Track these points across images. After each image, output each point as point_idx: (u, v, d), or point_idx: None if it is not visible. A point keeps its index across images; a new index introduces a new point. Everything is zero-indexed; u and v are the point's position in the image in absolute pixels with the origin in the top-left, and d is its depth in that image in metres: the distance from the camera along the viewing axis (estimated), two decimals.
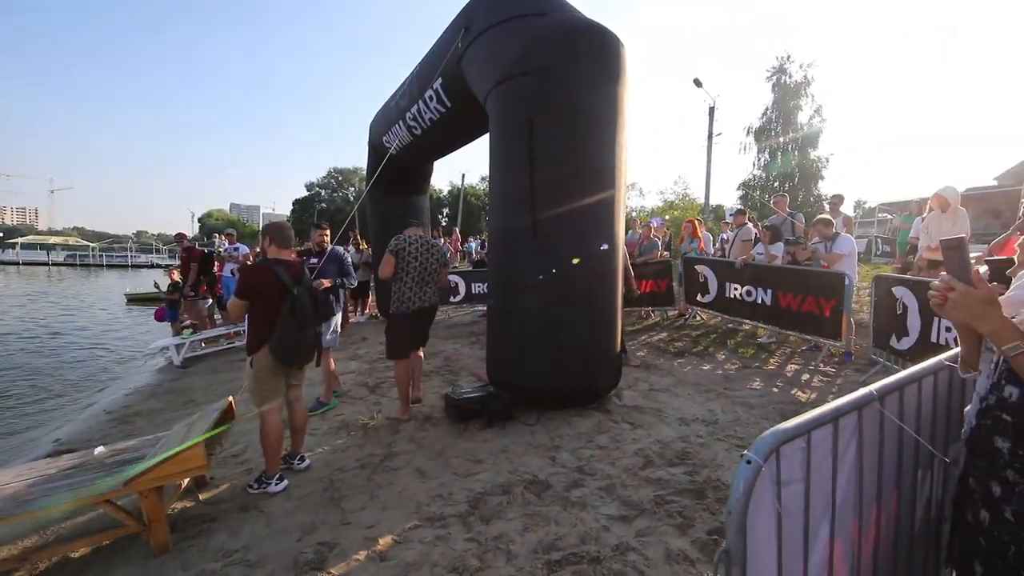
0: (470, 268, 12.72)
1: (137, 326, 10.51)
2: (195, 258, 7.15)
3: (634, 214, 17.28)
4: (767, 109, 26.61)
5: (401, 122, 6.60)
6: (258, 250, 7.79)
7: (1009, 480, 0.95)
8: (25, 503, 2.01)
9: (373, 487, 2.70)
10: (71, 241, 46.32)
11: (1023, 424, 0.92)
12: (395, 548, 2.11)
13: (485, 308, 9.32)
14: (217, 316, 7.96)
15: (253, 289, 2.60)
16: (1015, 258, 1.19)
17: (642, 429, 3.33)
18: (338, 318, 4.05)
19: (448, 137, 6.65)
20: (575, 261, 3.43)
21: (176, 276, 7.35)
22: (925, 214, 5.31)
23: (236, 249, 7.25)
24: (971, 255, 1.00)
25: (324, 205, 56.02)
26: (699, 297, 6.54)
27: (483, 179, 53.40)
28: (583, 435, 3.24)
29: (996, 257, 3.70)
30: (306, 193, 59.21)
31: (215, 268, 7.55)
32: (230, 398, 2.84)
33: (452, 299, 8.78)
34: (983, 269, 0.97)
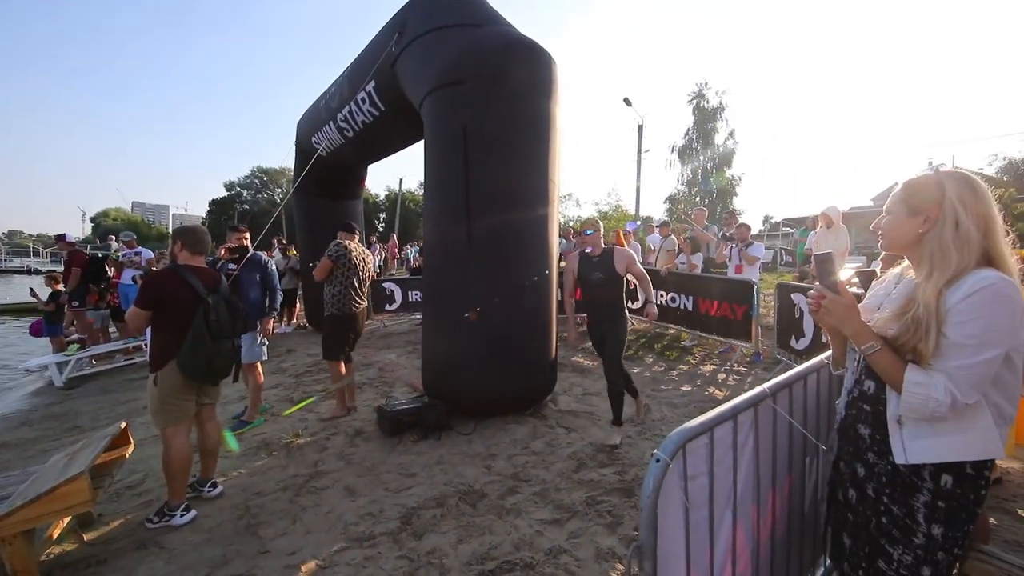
0: (407, 276, 12.43)
1: (6, 342, 8.99)
2: (79, 263, 6.25)
3: (571, 223, 17.97)
4: (688, 130, 29.03)
5: (332, 123, 6.32)
6: (163, 255, 7.01)
7: (870, 462, 1.10)
8: None
9: (296, 510, 2.52)
10: None
11: (880, 413, 1.07)
12: (319, 574, 1.98)
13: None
14: (113, 329, 7.04)
15: (159, 299, 2.33)
16: (878, 271, 1.40)
17: (576, 432, 3.43)
18: (269, 327, 3.76)
19: (382, 141, 6.48)
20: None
21: (59, 284, 6.39)
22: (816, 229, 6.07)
23: (137, 254, 6.46)
24: (847, 267, 1.17)
25: (246, 207, 51.87)
26: (630, 304, 6.90)
27: (421, 184, 52.53)
28: (519, 442, 3.27)
29: (864, 270, 4.32)
30: (225, 193, 54.52)
31: (111, 274, 6.67)
32: (123, 423, 2.51)
33: (388, 307, 8.51)
34: (854, 279, 1.13)
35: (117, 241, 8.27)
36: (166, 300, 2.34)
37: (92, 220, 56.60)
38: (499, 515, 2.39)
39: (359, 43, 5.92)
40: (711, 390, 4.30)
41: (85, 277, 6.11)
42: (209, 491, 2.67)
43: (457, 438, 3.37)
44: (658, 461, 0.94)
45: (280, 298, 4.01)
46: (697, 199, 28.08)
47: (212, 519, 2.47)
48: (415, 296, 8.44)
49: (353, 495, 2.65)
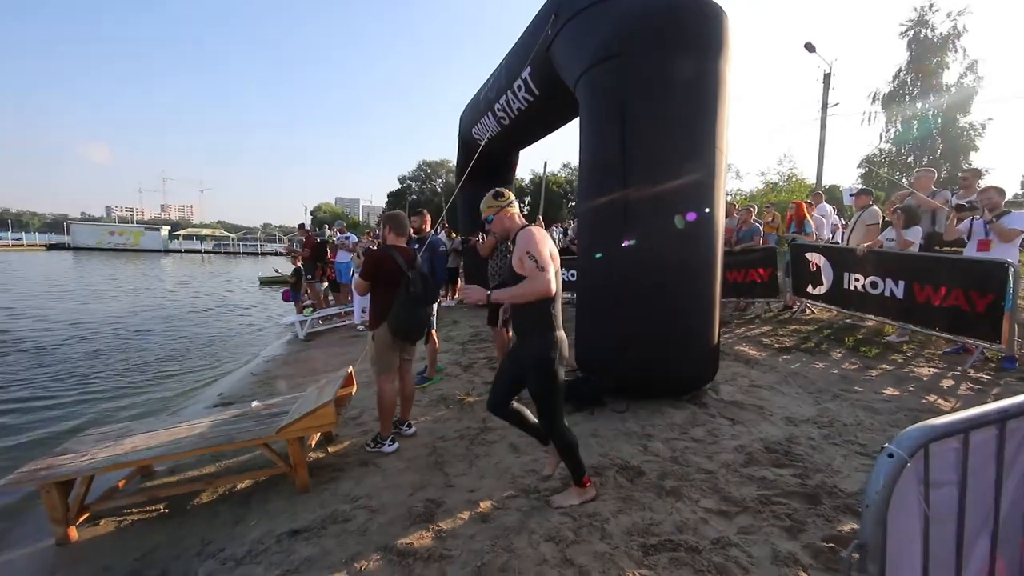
0: None
1: (273, 304, 12.24)
2: (310, 245, 8.13)
3: (730, 198, 15.93)
4: (900, 71, 22.64)
5: (490, 113, 6.79)
6: (373, 234, 8.68)
7: None
8: (210, 440, 2.52)
9: (472, 456, 2.92)
10: (216, 233, 55.11)
11: None
12: (495, 512, 2.28)
13: (570, 296, 9.35)
14: (330, 297, 9.00)
15: (375, 272, 2.93)
16: None
17: (742, 425, 3.15)
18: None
19: (535, 126, 6.72)
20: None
21: (298, 262, 8.42)
22: None
23: (347, 238, 8.09)
24: None
25: (415, 196, 59.59)
26: (810, 289, 5.90)
27: (565, 166, 52.84)
28: (676, 426, 3.16)
29: None
30: (399, 186, 63.41)
31: (328, 255, 8.50)
32: (350, 368, 3.24)
33: None
34: None
35: (330, 229, 10.48)
36: (380, 273, 2.92)
37: (311, 213, 72.27)
38: (658, 494, 2.38)
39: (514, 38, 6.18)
40: (931, 398, 3.45)
41: (314, 256, 7.95)
42: (406, 430, 3.27)
43: (611, 415, 3.42)
44: (891, 456, 0.83)
45: (444, 275, 4.63)
46: (910, 159, 21.96)
47: (410, 452, 3.03)
48: (564, 276, 8.67)
49: (517, 452, 2.94)
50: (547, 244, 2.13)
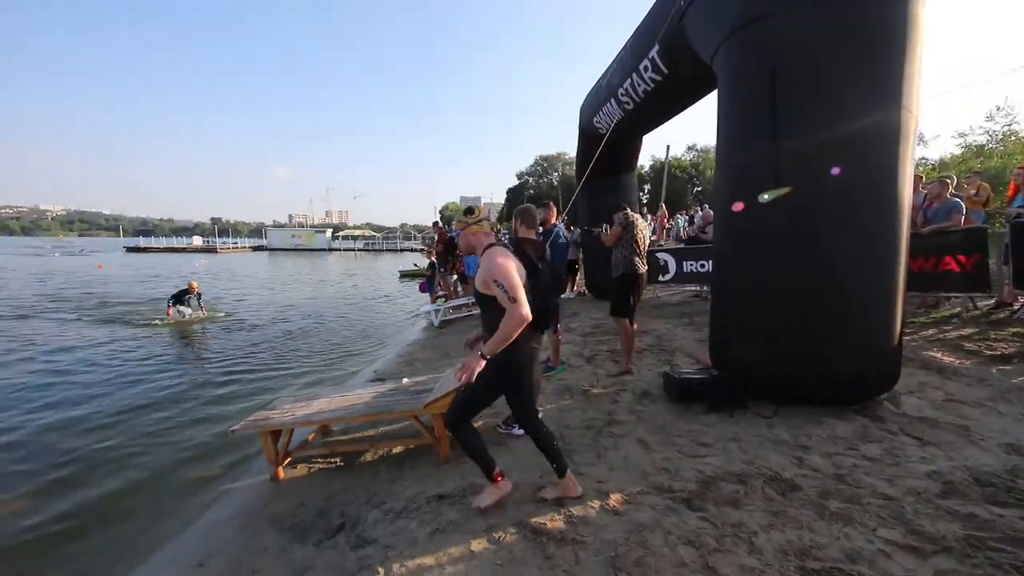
0: (680, 246, 11.92)
1: (409, 295, 13.83)
2: (443, 241, 8.91)
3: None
4: None
5: (613, 100, 6.58)
6: (498, 230, 9.23)
7: None
8: (373, 408, 2.97)
9: (599, 448, 2.91)
10: (366, 233, 64.44)
11: None
12: (627, 507, 2.25)
13: (698, 289, 8.64)
14: (459, 288, 9.76)
15: None
16: None
17: (936, 448, 2.57)
18: None
19: (663, 107, 6.30)
20: None
21: (432, 257, 9.31)
22: None
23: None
24: None
25: (532, 191, 61.00)
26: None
27: (690, 148, 48.61)
28: (841, 440, 2.71)
29: None
30: (517, 182, 65.51)
31: (458, 250, 9.23)
32: None
33: (661, 277, 8.44)
34: None
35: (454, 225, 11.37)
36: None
37: (440, 212, 79.24)
38: (820, 514, 2.07)
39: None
40: None
41: (446, 251, 8.72)
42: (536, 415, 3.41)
43: (753, 419, 3.09)
44: None
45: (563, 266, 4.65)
46: None
47: None
48: (690, 267, 8.05)
49: (647, 448, 2.85)
50: (513, 266, 2.13)
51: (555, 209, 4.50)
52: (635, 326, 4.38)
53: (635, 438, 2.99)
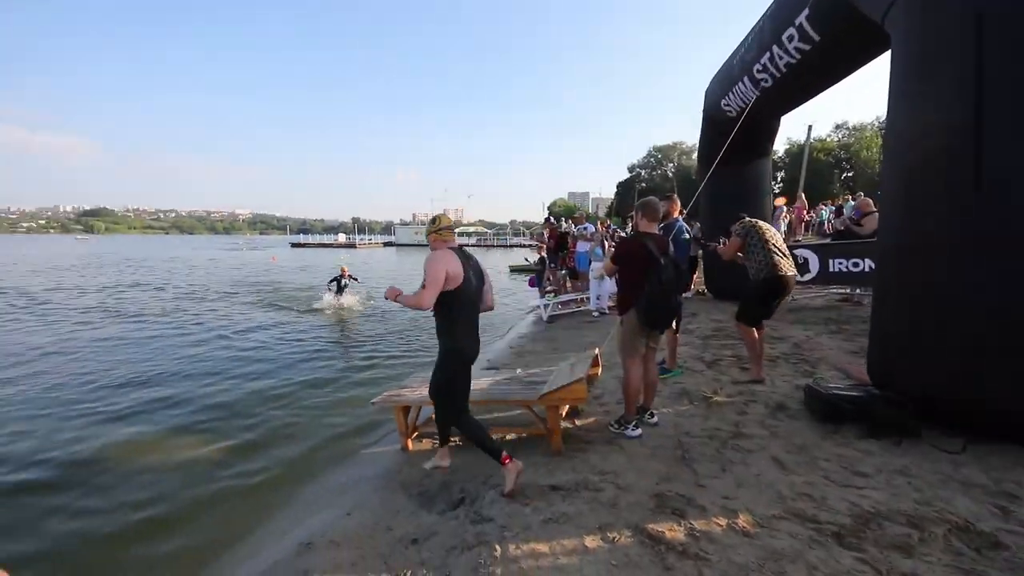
0: (824, 240, 10.28)
1: (519, 290, 14.28)
2: (553, 236, 8.96)
3: None
4: None
5: (746, 78, 5.92)
6: (607, 225, 9.05)
7: None
8: (491, 394, 3.15)
9: (724, 461, 2.67)
10: (479, 229, 68.23)
11: None
12: (759, 531, 2.03)
13: (847, 291, 7.36)
14: (568, 284, 9.77)
15: (623, 257, 3.02)
16: None
17: None
18: None
19: (808, 82, 5.49)
20: None
21: (543, 252, 9.45)
22: None
23: (585, 228, 8.60)
24: None
25: (644, 184, 58.07)
26: None
27: (838, 127, 41.44)
28: None
29: None
30: (628, 175, 62.89)
31: (569, 245, 9.21)
32: (597, 350, 3.44)
33: (800, 277, 7.37)
34: None
35: (564, 221, 11.34)
36: (630, 259, 2.98)
37: (547, 209, 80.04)
38: None
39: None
40: None
41: (557, 246, 8.78)
42: (649, 418, 3.26)
43: (931, 452, 2.54)
44: None
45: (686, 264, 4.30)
46: None
47: (653, 441, 3.01)
48: (838, 266, 6.90)
49: (784, 468, 2.53)
50: (446, 264, 2.50)
51: (678, 202, 4.21)
52: (761, 332, 3.90)
53: (769, 455, 2.67)
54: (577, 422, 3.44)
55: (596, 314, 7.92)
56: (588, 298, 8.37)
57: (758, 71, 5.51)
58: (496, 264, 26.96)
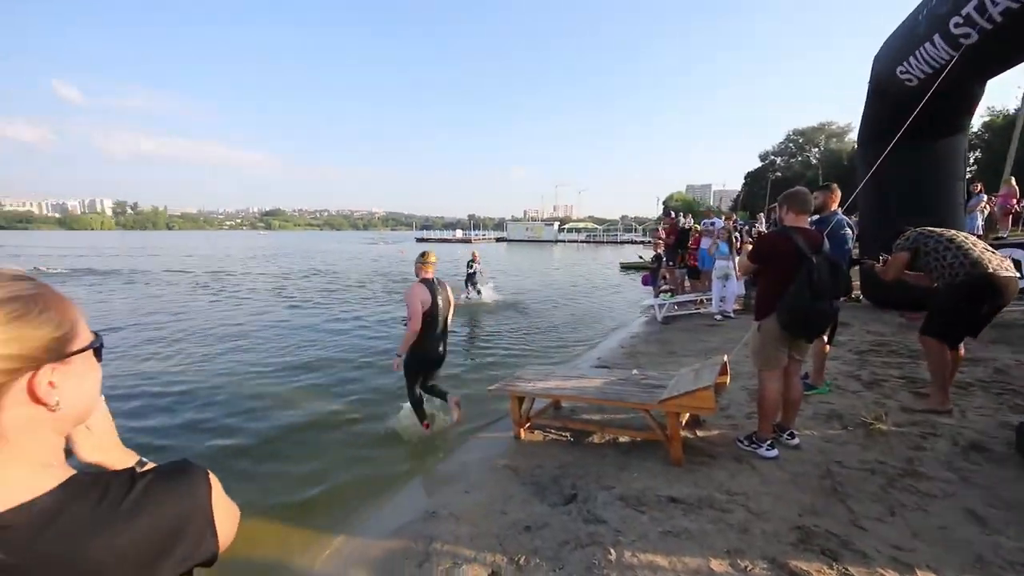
0: None
1: (630, 287, 13.74)
2: (673, 232, 8.37)
3: None
4: None
5: (937, 36, 4.78)
6: (734, 220, 8.18)
7: None
8: (606, 394, 3.07)
9: (893, 503, 2.22)
10: (588, 225, 67.30)
11: None
12: None
13: None
14: (687, 283, 9.07)
15: (765, 254, 2.68)
16: None
17: None
18: None
19: None
20: None
21: (659, 249, 8.91)
22: None
23: (712, 224, 7.87)
24: None
25: (779, 174, 51.12)
26: None
27: None
28: None
29: None
30: (759, 164, 55.99)
31: (690, 242, 8.53)
32: (725, 356, 3.12)
33: None
34: None
35: (683, 216, 10.45)
36: (773, 257, 2.63)
37: (663, 203, 75.25)
38: None
39: None
40: None
41: (677, 243, 8.19)
42: (788, 439, 2.86)
43: None
44: None
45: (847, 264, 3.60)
46: None
47: (794, 466, 2.64)
48: None
49: (984, 526, 2.01)
50: (420, 297, 3.40)
51: (838, 192, 3.59)
52: (956, 352, 3.13)
53: (961, 506, 2.15)
54: (699, 433, 3.18)
55: (719, 317, 7.22)
56: (709, 299, 7.67)
57: (956, 25, 4.40)
58: (607, 260, 26.27)
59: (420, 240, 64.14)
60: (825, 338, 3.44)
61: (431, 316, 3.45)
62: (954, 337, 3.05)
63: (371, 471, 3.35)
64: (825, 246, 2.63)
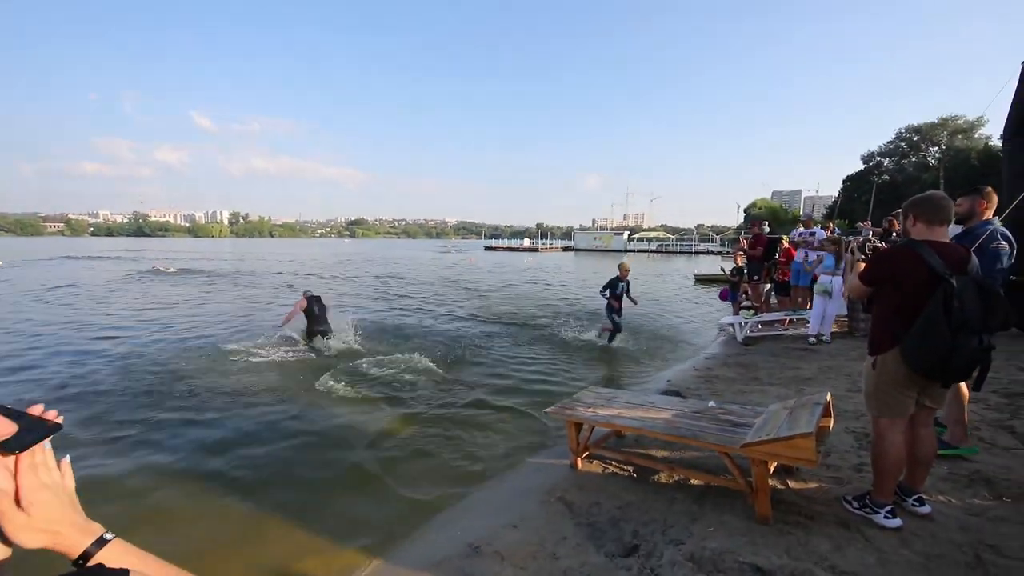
0: None
1: (705, 302, 12.71)
2: (761, 243, 7.54)
3: None
4: None
5: None
6: (832, 228, 7.12)
7: None
8: (677, 429, 2.69)
9: None
10: (660, 235, 64.26)
11: None
12: None
13: None
14: (773, 300, 8.11)
15: (884, 274, 2.17)
16: None
17: None
18: None
19: None
20: None
21: (740, 261, 8.07)
22: None
23: (812, 234, 6.96)
24: None
25: (886, 177, 45.03)
26: None
27: None
28: None
29: None
30: (862, 167, 49.84)
31: (779, 255, 7.64)
32: (828, 394, 2.59)
33: None
34: None
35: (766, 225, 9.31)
36: (897, 275, 2.11)
37: (744, 211, 69.81)
38: None
39: None
40: None
41: (764, 255, 7.36)
42: (915, 505, 2.28)
43: None
44: None
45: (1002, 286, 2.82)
46: None
47: (924, 543, 2.08)
48: None
49: None
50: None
51: (994, 198, 2.86)
52: None
53: None
54: (791, 484, 2.67)
55: (812, 340, 6.31)
56: (800, 319, 6.75)
57: None
58: (681, 270, 24.74)
59: (488, 248, 65.46)
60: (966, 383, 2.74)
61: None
62: None
63: (417, 488, 3.21)
64: (973, 265, 2.06)
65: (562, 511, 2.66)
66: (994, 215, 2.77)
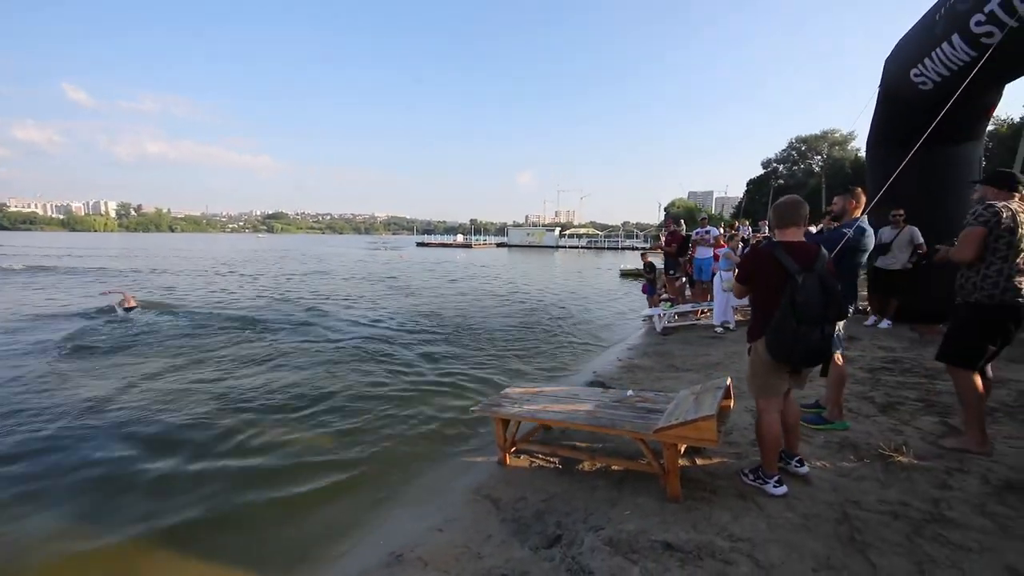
0: None
1: (627, 294, 13.46)
2: (676, 240, 8.11)
3: None
4: None
5: (957, 36, 4.53)
6: (735, 227, 7.90)
7: None
8: (598, 420, 2.79)
9: (920, 556, 1.93)
10: (589, 232, 67.12)
11: None
12: None
13: None
14: (688, 293, 8.78)
15: (749, 273, 2.44)
16: None
17: None
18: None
19: None
20: None
21: (648, 257, 8.64)
22: None
23: (707, 232, 7.60)
24: None
25: (781, 181, 50.88)
26: None
27: None
28: None
29: None
30: (761, 171, 55.77)
31: (690, 251, 8.26)
32: (728, 379, 2.84)
33: None
34: None
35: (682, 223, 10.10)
36: (756, 275, 2.38)
37: (665, 209, 74.96)
38: None
39: None
40: None
41: (678, 251, 7.92)
42: (796, 466, 2.59)
43: None
44: None
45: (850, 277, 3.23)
46: None
47: (805, 506, 2.35)
48: None
49: None
50: None
51: (862, 196, 3.26)
52: (987, 381, 2.82)
53: (1001, 562, 1.86)
54: (698, 461, 2.90)
55: (719, 330, 6.93)
56: (710, 309, 7.39)
57: (978, 24, 4.15)
58: (607, 266, 25.98)
59: (421, 244, 63.96)
60: (841, 362, 3.14)
61: None
62: (975, 361, 2.72)
63: (329, 498, 3.03)
64: (821, 260, 2.32)
65: (488, 509, 2.65)
66: (862, 213, 3.21)
